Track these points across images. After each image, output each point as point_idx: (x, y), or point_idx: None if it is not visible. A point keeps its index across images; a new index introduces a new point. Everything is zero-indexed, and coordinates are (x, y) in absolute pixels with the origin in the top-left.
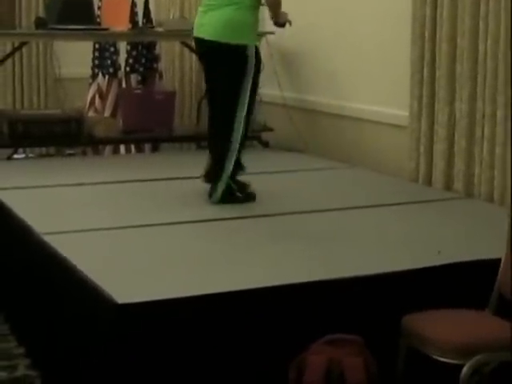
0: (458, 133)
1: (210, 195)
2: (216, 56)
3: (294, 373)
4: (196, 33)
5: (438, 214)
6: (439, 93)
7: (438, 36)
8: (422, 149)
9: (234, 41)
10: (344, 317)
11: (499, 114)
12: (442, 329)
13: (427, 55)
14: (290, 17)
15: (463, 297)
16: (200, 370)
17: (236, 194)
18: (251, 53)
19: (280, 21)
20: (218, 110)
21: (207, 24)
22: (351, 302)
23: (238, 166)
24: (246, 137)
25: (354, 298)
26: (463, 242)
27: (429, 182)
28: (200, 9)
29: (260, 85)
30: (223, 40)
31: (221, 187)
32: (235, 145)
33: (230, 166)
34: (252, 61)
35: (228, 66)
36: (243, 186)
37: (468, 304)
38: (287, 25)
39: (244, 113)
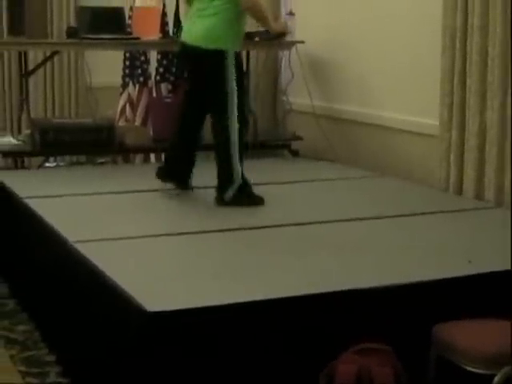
0: (488, 141)
1: (219, 198)
2: (198, 60)
3: (324, 381)
4: (183, 37)
5: (468, 223)
6: (470, 101)
7: (468, 45)
8: (452, 158)
9: (211, 46)
10: (374, 326)
11: None
12: (473, 338)
13: (458, 64)
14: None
15: (494, 306)
16: (230, 378)
17: (250, 192)
18: (230, 58)
19: (274, 30)
20: (211, 114)
21: (193, 30)
22: (382, 312)
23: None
24: (242, 140)
25: (385, 308)
26: (494, 251)
27: (459, 191)
28: (191, 17)
29: (289, 93)
30: (203, 45)
31: (232, 188)
32: (234, 146)
33: (237, 166)
34: (231, 65)
35: (209, 71)
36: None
37: (499, 314)
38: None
39: (235, 114)
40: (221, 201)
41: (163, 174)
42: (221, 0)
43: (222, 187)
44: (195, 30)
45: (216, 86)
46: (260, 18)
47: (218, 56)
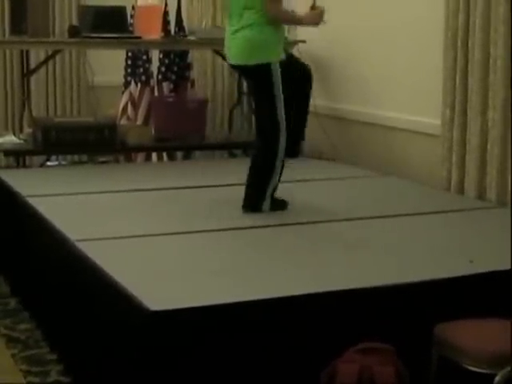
0: (490, 141)
1: (253, 207)
2: (247, 77)
3: (326, 381)
4: (227, 57)
5: (470, 223)
6: (472, 101)
7: (470, 44)
8: (454, 157)
9: (257, 61)
10: (376, 325)
11: None
12: (475, 338)
13: (460, 63)
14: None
15: (496, 306)
16: (232, 377)
17: (280, 200)
18: (275, 69)
19: (308, 25)
20: (261, 128)
21: (232, 48)
22: (383, 311)
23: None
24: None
25: (386, 307)
26: (496, 251)
27: (461, 190)
28: (227, 32)
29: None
30: (248, 62)
31: (268, 200)
32: (280, 158)
33: (276, 181)
34: (277, 77)
35: (257, 86)
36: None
37: (500, 313)
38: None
39: (284, 126)
40: (257, 211)
41: None
42: (250, 11)
43: (256, 203)
44: (234, 47)
45: (264, 100)
46: (289, 22)
47: (264, 71)
